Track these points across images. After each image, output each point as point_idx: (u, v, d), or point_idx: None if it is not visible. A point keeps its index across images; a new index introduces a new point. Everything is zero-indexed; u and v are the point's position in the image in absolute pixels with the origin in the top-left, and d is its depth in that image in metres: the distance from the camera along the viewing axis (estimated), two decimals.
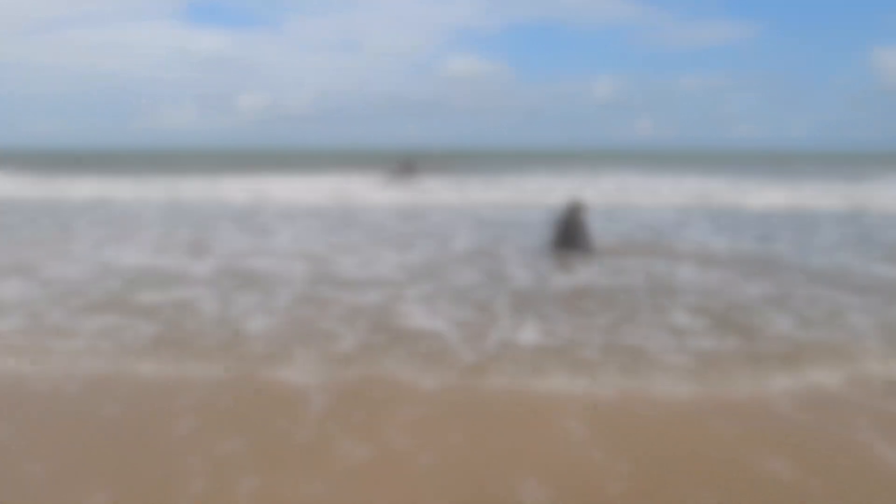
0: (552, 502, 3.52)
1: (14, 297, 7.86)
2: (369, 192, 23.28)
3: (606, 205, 18.27)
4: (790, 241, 12.68)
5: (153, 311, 7.18)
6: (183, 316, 7.03)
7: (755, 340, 6.22)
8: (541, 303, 7.62)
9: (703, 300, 7.77)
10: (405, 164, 30.09)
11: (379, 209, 18.83)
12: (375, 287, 8.37)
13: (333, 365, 5.54)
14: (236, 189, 24.12)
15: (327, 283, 8.62)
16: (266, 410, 4.65)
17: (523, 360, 5.66)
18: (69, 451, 4.08)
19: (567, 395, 4.94)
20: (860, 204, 19.95)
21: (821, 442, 4.22)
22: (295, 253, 11.02)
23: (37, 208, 19.16)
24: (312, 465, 3.90)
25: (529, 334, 6.39)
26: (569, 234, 10.93)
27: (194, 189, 24.52)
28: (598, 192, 21.73)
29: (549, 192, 21.27)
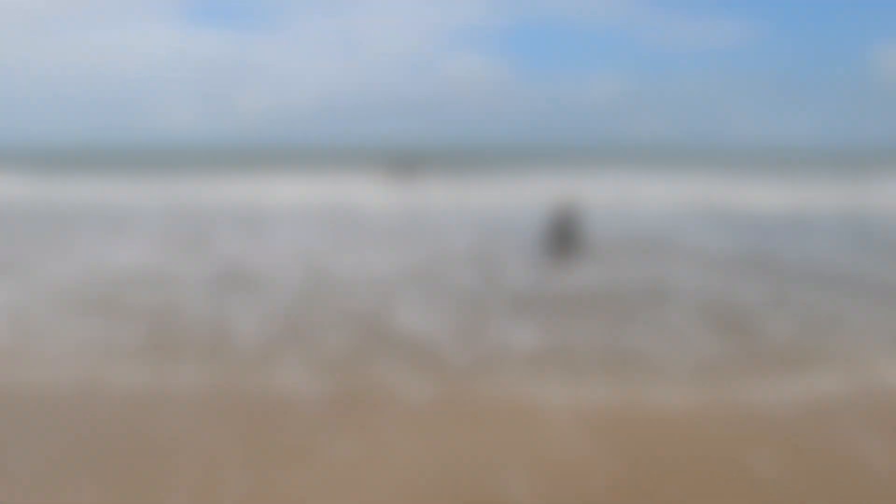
0: None
1: (4, 299, 7.81)
2: (369, 192, 23.23)
3: (606, 205, 18.21)
4: (790, 241, 12.63)
5: (145, 313, 7.13)
6: (177, 318, 6.98)
7: (753, 343, 6.16)
8: (537, 305, 7.56)
9: (701, 302, 7.71)
10: (405, 164, 30.07)
11: (378, 209, 18.78)
12: (372, 288, 8.32)
13: (327, 367, 5.48)
14: (236, 189, 24.07)
15: (323, 285, 8.57)
16: (258, 413, 4.60)
17: (518, 363, 5.60)
18: (59, 452, 4.03)
19: (563, 398, 4.88)
20: (861, 203, 19.89)
21: (818, 446, 4.17)
22: (292, 253, 10.97)
23: (36, 208, 19.11)
24: (305, 466, 3.84)
25: (525, 337, 6.33)
26: (564, 236, 10.88)
27: (193, 189, 24.47)
28: (597, 191, 21.66)
29: (548, 192, 21.21)
